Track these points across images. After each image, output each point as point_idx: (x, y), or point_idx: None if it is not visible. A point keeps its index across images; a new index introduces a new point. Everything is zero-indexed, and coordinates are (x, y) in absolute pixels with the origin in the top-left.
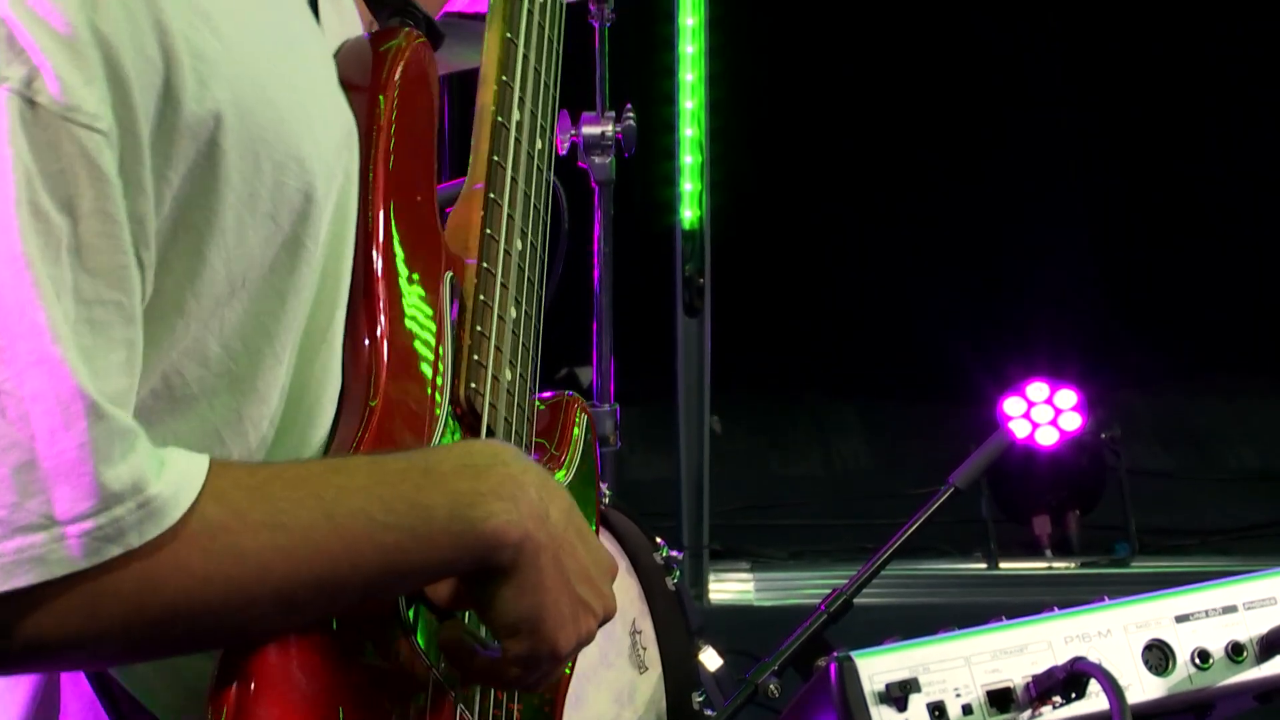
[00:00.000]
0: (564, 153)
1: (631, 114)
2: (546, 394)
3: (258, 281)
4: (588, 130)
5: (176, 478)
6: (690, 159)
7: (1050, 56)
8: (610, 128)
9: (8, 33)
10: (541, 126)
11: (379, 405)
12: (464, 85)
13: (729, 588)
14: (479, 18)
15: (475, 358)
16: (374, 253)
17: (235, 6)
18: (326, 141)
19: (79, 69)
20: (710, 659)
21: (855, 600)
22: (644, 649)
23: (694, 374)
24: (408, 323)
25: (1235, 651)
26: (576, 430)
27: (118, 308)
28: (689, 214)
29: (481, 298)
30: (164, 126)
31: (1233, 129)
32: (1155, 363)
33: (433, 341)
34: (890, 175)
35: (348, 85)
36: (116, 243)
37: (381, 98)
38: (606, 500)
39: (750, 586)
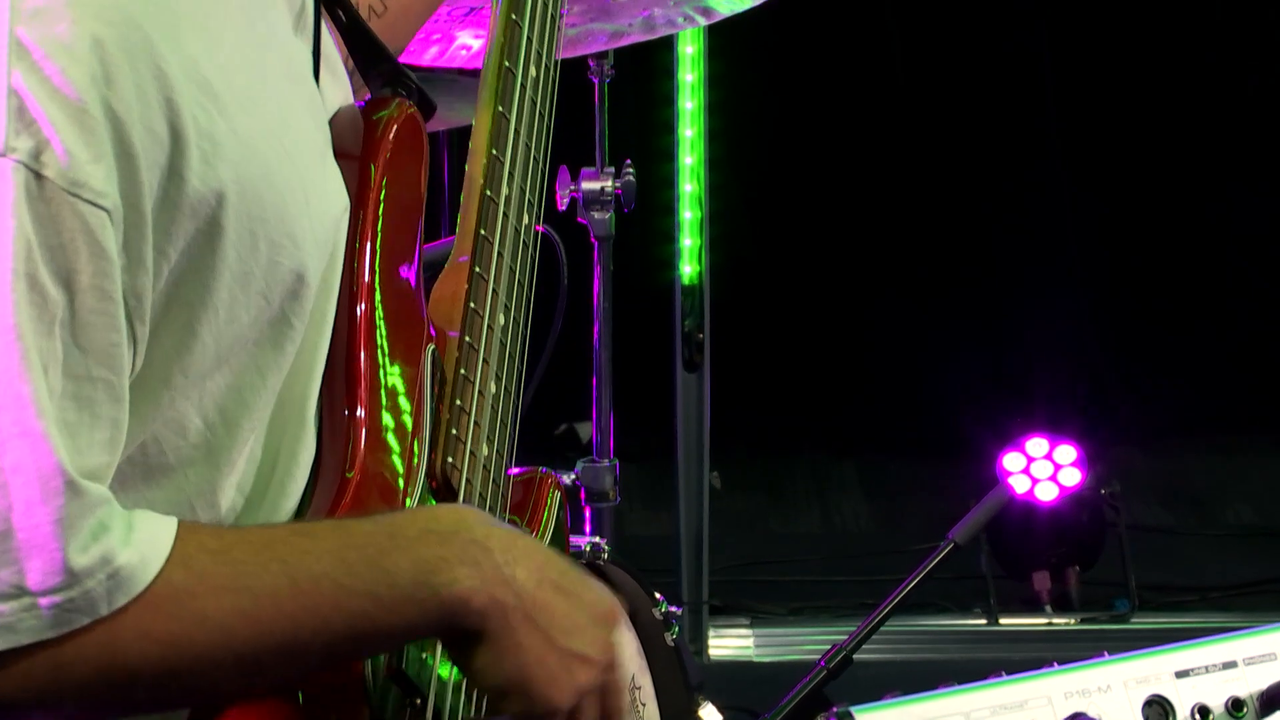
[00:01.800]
0: (564, 208)
1: (631, 169)
2: (518, 470)
3: (242, 356)
4: (587, 186)
5: (144, 544)
6: (690, 214)
7: (1049, 117)
8: (610, 183)
9: (19, 104)
10: (529, 201)
11: (355, 477)
12: (464, 139)
13: (729, 644)
14: (476, 73)
15: (454, 432)
16: (357, 325)
17: (240, 83)
18: (321, 219)
19: (88, 145)
20: (710, 715)
21: (855, 656)
22: (643, 705)
23: (693, 430)
24: (387, 396)
25: (1235, 707)
26: (548, 511)
27: (106, 385)
28: (688, 269)
29: (463, 371)
30: (167, 203)
31: (1231, 189)
32: (1154, 419)
33: (411, 415)
34: (890, 232)
35: (341, 154)
36: (111, 320)
37: (372, 167)
38: (605, 555)
39: (750, 642)
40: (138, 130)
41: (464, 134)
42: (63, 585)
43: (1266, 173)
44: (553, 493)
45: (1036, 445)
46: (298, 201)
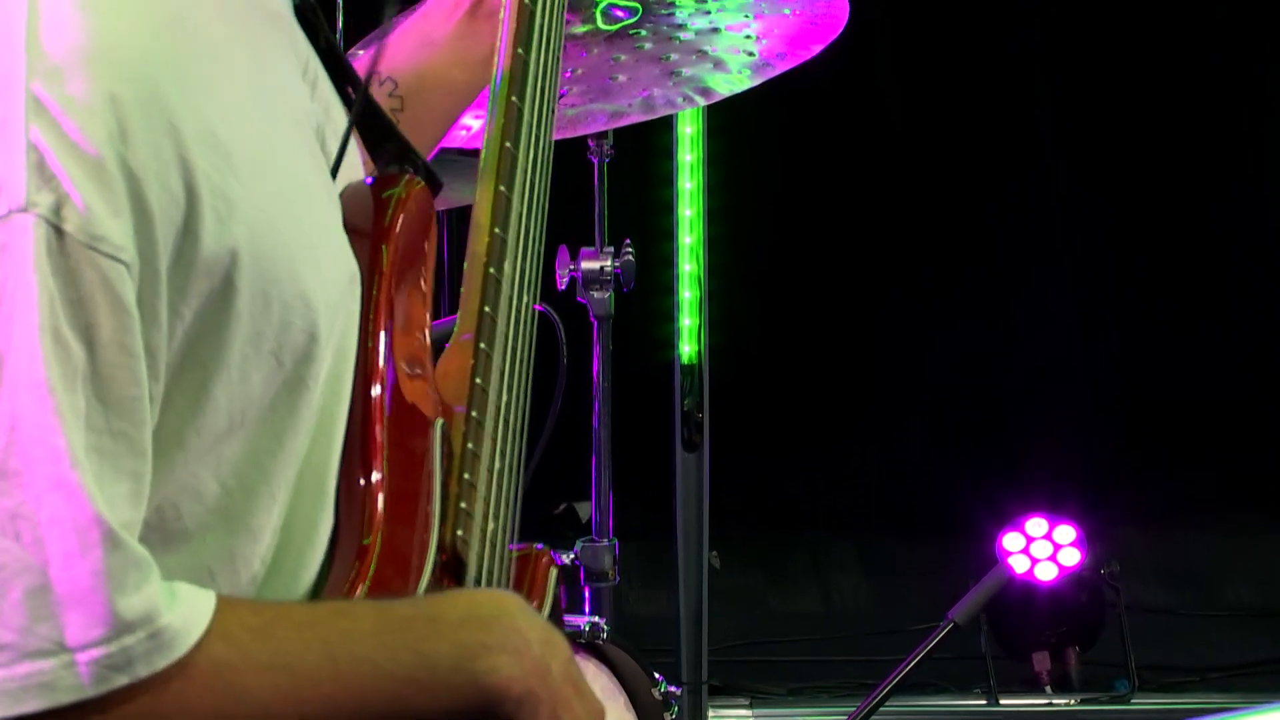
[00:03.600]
0: (563, 287)
1: (630, 249)
2: (515, 546)
3: (257, 420)
4: (586, 265)
5: (186, 609)
6: (689, 294)
7: (1047, 200)
8: (609, 263)
9: (39, 159)
10: (529, 280)
11: (372, 545)
12: (461, 218)
13: None
14: (473, 153)
15: (462, 506)
16: (372, 396)
17: (253, 145)
18: (332, 283)
19: (106, 200)
20: None
21: None
22: None
23: (693, 509)
24: (400, 468)
25: None
26: (548, 586)
27: (128, 440)
28: (687, 349)
29: (470, 446)
30: (181, 262)
31: (1231, 275)
32: (1153, 498)
33: (423, 488)
34: (889, 313)
35: (351, 229)
36: (132, 374)
37: (384, 247)
38: (605, 635)
39: None
40: (154, 188)
41: (461, 213)
42: (103, 639)
43: (1269, 264)
44: (550, 570)
45: (1036, 525)
46: (309, 263)
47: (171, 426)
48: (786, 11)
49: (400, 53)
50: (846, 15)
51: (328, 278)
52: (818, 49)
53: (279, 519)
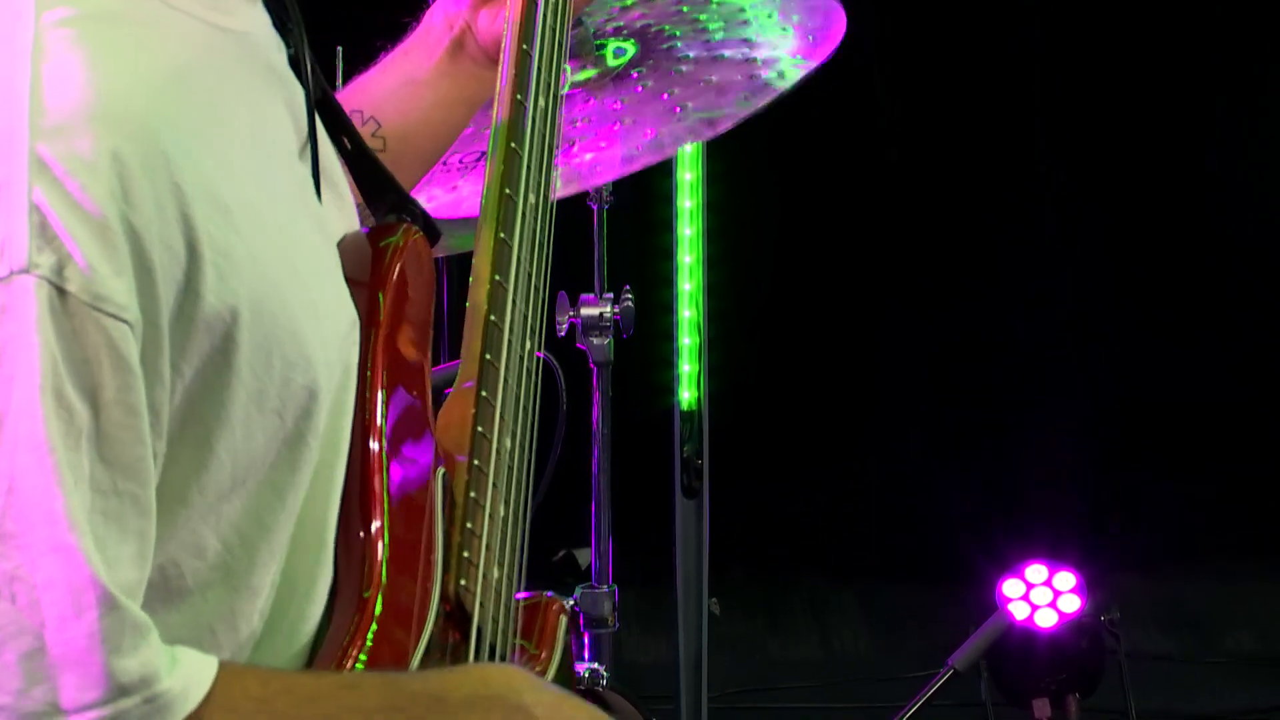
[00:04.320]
0: (563, 334)
1: (630, 295)
2: (524, 594)
3: (258, 477)
4: (586, 311)
5: (187, 675)
6: (688, 340)
7: (1044, 247)
8: (609, 309)
9: (41, 220)
10: (531, 327)
11: (372, 597)
12: (461, 264)
13: None
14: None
15: (465, 555)
16: (370, 447)
17: (251, 199)
18: (331, 336)
19: (109, 259)
20: None
21: None
22: None
23: (692, 556)
24: (401, 518)
25: None
26: (556, 637)
27: (133, 499)
28: (687, 395)
29: (473, 494)
30: (183, 319)
31: (1230, 321)
32: (1153, 545)
33: (424, 538)
34: (889, 359)
35: (349, 280)
36: (136, 434)
37: (381, 295)
38: (604, 682)
39: None
40: (156, 246)
41: (461, 260)
42: (98, 702)
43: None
44: (561, 619)
45: (1036, 572)
46: (308, 318)
47: (175, 484)
48: (787, 30)
49: (381, 91)
50: (844, 27)
51: (327, 331)
52: (816, 65)
53: (279, 574)
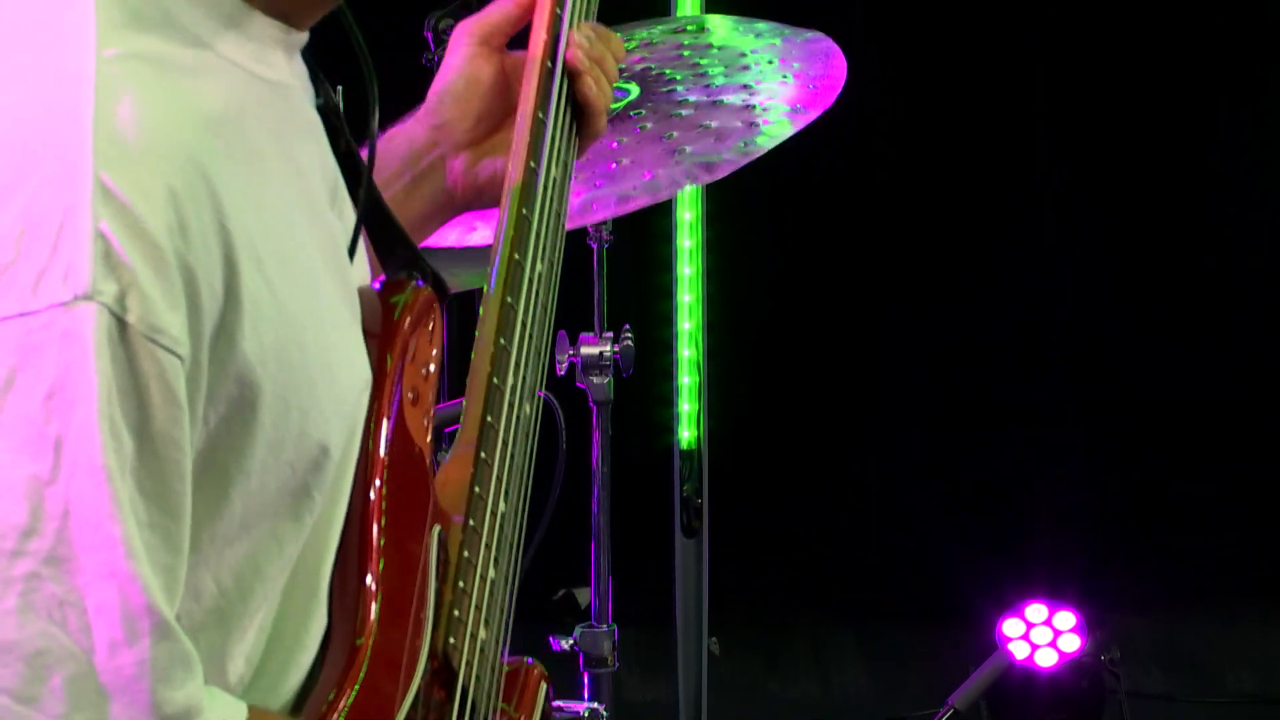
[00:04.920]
0: (563, 373)
1: (629, 335)
2: (508, 659)
3: (262, 525)
4: (586, 351)
5: (224, 715)
6: (688, 379)
7: (1043, 292)
8: (608, 348)
9: (106, 248)
10: (531, 390)
11: (364, 646)
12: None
13: None
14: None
15: (455, 613)
16: (370, 501)
17: (282, 248)
18: (346, 393)
19: (166, 292)
20: None
21: None
22: None
23: (692, 595)
24: (396, 571)
25: None
26: (538, 701)
27: (165, 533)
28: (687, 434)
29: (466, 554)
30: (215, 362)
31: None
32: (1154, 585)
33: (417, 593)
34: (888, 401)
35: (364, 331)
36: (178, 468)
37: (389, 354)
38: None
39: None
40: (204, 285)
41: (461, 298)
42: None
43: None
44: (540, 685)
45: (1036, 611)
46: (326, 372)
47: (190, 527)
48: (787, 78)
49: None
50: (844, 76)
51: (343, 388)
52: (817, 114)
53: (269, 620)
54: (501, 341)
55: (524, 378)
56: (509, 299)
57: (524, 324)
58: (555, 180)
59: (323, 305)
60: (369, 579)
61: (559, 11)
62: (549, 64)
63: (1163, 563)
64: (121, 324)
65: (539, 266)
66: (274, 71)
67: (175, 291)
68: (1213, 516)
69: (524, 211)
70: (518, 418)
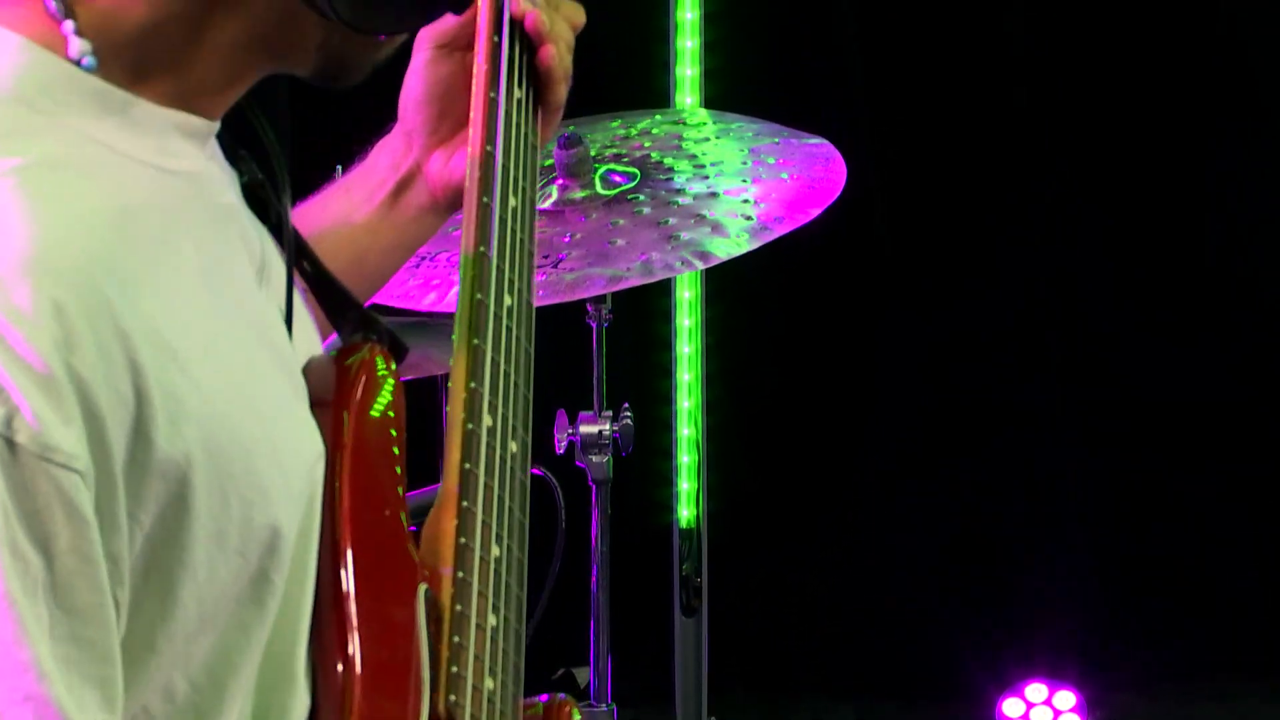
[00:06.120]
0: (561, 451)
1: (629, 413)
2: (542, 696)
3: (225, 616)
4: (585, 429)
5: None
6: (687, 458)
7: (1041, 351)
8: (607, 427)
9: None
10: (514, 428)
11: None
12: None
13: None
14: (448, 315)
15: (454, 669)
16: (341, 575)
17: (202, 339)
18: (294, 471)
19: (56, 409)
20: None
21: None
22: None
23: (691, 674)
24: (381, 641)
25: None
26: None
27: (90, 645)
28: (686, 513)
29: (458, 608)
30: (135, 465)
31: (1226, 439)
32: (1154, 664)
33: (408, 659)
34: (886, 477)
35: (315, 402)
36: (93, 581)
37: (345, 415)
38: None
39: None
40: (103, 393)
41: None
42: None
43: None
44: (575, 714)
45: (1036, 691)
46: (267, 455)
47: (142, 632)
48: (784, 176)
49: (312, 228)
50: (844, 179)
51: (289, 467)
52: (816, 212)
53: (249, 709)
54: (472, 385)
55: (502, 416)
56: (476, 341)
57: (494, 363)
58: (514, 210)
59: (257, 387)
60: (349, 651)
61: None
62: (495, 39)
63: (1163, 643)
64: (11, 446)
65: (506, 301)
66: (178, 162)
67: (67, 406)
68: (1213, 597)
69: (481, 249)
70: (501, 459)
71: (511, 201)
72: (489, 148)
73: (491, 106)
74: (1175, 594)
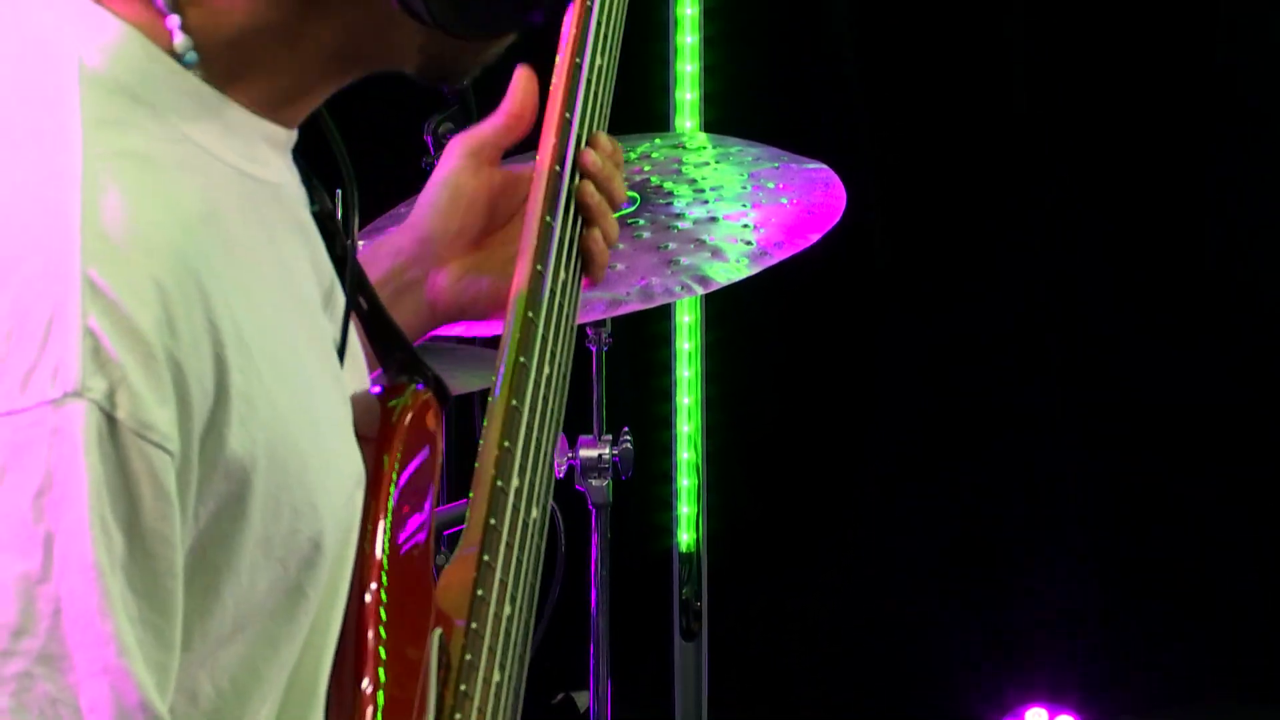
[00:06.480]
0: (561, 475)
1: (629, 437)
2: None
3: (257, 625)
4: (585, 453)
5: None
6: (687, 482)
7: (1042, 370)
8: (607, 451)
9: (94, 344)
10: (539, 495)
11: None
12: (464, 404)
13: None
14: (478, 341)
15: (457, 717)
16: (366, 604)
17: (273, 345)
18: (339, 490)
19: (155, 388)
20: None
21: None
22: None
23: (691, 699)
24: (395, 675)
25: None
26: None
27: (155, 630)
28: (686, 537)
29: (468, 657)
30: (205, 460)
31: (1227, 442)
32: (1155, 689)
33: (417, 697)
34: (885, 502)
35: (358, 435)
36: (169, 565)
37: (385, 457)
38: None
39: None
40: (194, 382)
41: (460, 399)
42: None
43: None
44: None
45: (1036, 716)
46: (319, 469)
47: (182, 628)
48: (784, 200)
49: None
50: (844, 204)
51: (335, 485)
52: (815, 238)
53: None
54: (506, 444)
55: (529, 481)
56: (514, 402)
57: (529, 426)
58: (564, 284)
59: (315, 402)
60: (366, 683)
61: (568, 116)
62: (557, 169)
63: (1164, 667)
64: (111, 421)
65: (545, 370)
66: (264, 170)
67: (164, 387)
68: (1215, 620)
69: (529, 315)
70: (524, 523)
71: (562, 275)
72: (548, 218)
73: (546, 231)
74: (1177, 605)
